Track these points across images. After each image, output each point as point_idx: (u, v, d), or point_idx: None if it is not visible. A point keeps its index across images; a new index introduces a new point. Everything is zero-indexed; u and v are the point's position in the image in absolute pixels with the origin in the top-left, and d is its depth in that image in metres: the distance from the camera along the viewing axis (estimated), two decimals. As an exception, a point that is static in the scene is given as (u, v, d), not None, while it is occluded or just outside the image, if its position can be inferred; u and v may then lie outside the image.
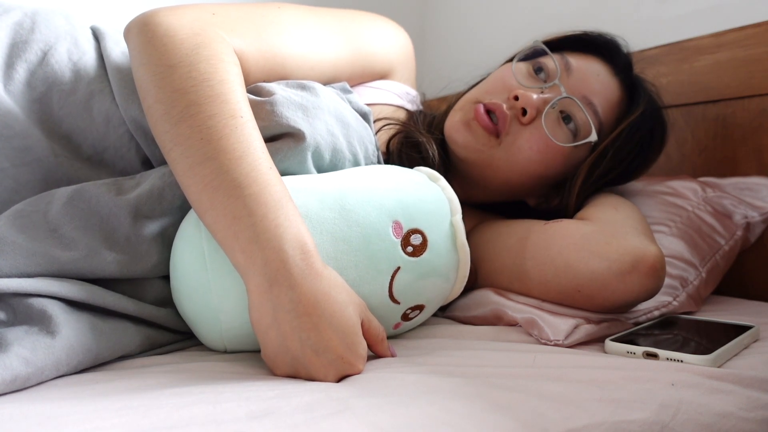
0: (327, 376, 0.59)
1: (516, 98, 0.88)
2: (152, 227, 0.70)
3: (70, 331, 0.60)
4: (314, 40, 0.85)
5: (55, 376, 0.58)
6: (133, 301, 0.67)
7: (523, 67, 0.92)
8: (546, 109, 0.87)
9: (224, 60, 0.70)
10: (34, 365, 0.56)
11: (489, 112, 0.89)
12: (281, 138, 0.73)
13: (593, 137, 0.88)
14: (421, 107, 1.01)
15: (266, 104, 0.73)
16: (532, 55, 0.93)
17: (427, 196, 0.73)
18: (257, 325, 0.60)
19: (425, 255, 0.70)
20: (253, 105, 0.72)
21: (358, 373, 0.61)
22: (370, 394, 0.54)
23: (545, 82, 0.90)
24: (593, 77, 0.91)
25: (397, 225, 0.69)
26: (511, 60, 0.96)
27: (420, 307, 0.73)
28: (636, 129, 0.92)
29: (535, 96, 0.87)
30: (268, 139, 0.73)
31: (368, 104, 0.88)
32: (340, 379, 0.59)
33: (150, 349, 0.69)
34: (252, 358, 0.66)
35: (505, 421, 0.50)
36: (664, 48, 1.18)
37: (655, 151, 0.98)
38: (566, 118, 0.89)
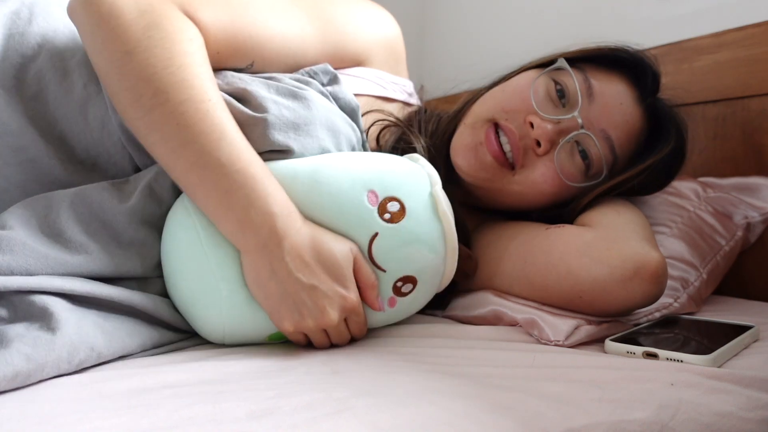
0: (326, 311, 0.64)
1: (531, 125, 0.84)
2: (152, 228, 0.71)
3: (71, 329, 0.60)
4: (280, 12, 0.82)
5: (56, 373, 0.58)
6: (138, 293, 0.68)
7: (542, 87, 0.86)
8: (561, 142, 0.84)
9: (178, 40, 0.69)
10: (35, 362, 0.56)
11: (499, 132, 0.85)
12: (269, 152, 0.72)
13: (603, 175, 0.85)
14: (418, 99, 0.99)
15: (258, 126, 0.71)
16: (553, 70, 0.87)
17: (405, 169, 0.74)
18: (256, 284, 0.65)
19: (404, 222, 0.70)
20: (244, 121, 0.70)
21: (352, 304, 0.67)
22: (370, 394, 0.54)
23: (564, 107, 0.85)
24: (615, 107, 0.86)
25: (372, 194, 0.70)
26: (530, 68, 0.91)
27: (411, 280, 0.72)
28: (662, 164, 0.89)
29: (550, 126, 0.83)
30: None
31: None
32: (345, 329, 0.68)
33: (150, 348, 0.69)
34: (252, 357, 0.66)
35: (505, 421, 0.50)
36: (664, 48, 1.18)
37: (673, 175, 0.94)
38: (581, 152, 0.85)
